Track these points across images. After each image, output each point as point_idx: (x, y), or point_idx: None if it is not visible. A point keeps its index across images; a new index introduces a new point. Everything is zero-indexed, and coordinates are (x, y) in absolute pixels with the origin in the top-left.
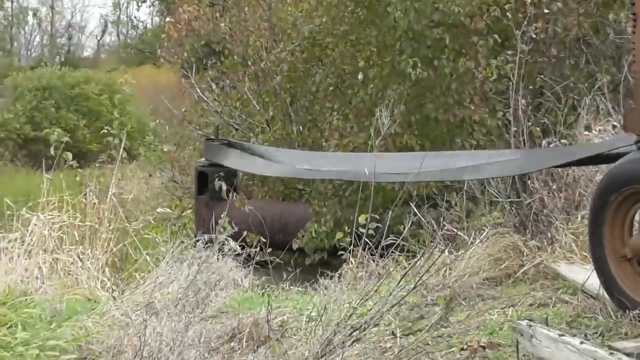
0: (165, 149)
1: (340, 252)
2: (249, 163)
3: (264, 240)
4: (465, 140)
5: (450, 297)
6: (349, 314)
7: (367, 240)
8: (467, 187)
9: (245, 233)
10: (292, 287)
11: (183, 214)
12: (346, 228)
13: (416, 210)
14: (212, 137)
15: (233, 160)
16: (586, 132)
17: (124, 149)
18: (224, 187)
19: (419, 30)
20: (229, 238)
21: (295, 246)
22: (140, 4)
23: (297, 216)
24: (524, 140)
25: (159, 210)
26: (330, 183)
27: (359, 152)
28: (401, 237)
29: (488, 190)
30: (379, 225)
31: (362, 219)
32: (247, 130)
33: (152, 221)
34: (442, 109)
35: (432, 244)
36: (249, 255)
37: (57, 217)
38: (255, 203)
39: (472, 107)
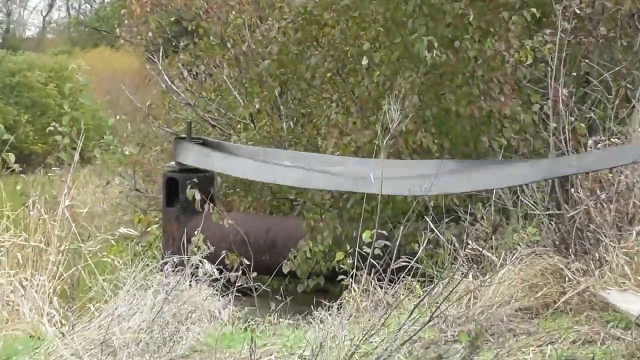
0: (127, 151)
1: (340, 277)
2: (231, 165)
3: (247, 262)
4: (493, 139)
5: (476, 332)
6: (350, 353)
7: (374, 262)
8: (496, 196)
9: (224, 253)
10: (281, 320)
11: (148, 231)
12: (348, 247)
13: (432, 226)
14: (184, 135)
15: (209, 161)
16: None
17: (74, 149)
18: (199, 197)
19: (436, 4)
20: (204, 259)
21: (285, 269)
22: None
23: (288, 232)
24: (565, 139)
25: (121, 230)
26: (329, 192)
27: (363, 152)
28: (415, 259)
29: (522, 201)
30: (388, 243)
31: (367, 236)
32: (227, 126)
33: (111, 240)
34: (465, 100)
35: (452, 266)
36: (228, 280)
37: None
38: (237, 216)
39: (502, 99)
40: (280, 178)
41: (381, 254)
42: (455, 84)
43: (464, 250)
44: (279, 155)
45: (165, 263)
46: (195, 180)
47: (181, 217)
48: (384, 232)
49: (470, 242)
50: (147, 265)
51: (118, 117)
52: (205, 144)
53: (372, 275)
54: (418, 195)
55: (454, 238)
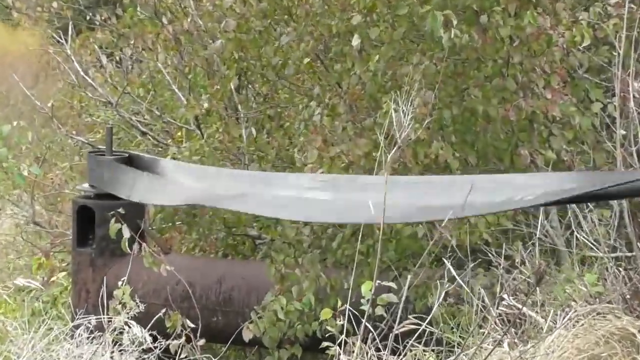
0: (26, 171)
1: (325, 345)
2: (163, 190)
3: (192, 325)
4: (536, 151)
5: None
6: None
7: (371, 325)
8: (542, 231)
9: (161, 312)
10: None
11: (52, 280)
12: (336, 303)
13: (454, 272)
14: (102, 147)
15: (138, 186)
16: None
17: None
18: (126, 234)
19: None
20: (131, 321)
21: (246, 336)
22: None
23: (249, 283)
24: (638, 151)
25: (16, 281)
26: (307, 225)
27: (357, 169)
28: (428, 319)
29: (577, 238)
30: (393, 298)
31: (367, 289)
32: (163, 134)
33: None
34: (497, 98)
35: (481, 330)
36: (166, 350)
37: None
38: (178, 260)
39: (549, 96)
40: (238, 205)
41: (384, 313)
42: (484, 74)
43: (497, 308)
44: (237, 177)
45: (77, 327)
46: (119, 210)
47: (98, 261)
48: (387, 283)
49: (505, 296)
50: (51, 329)
51: (16, 123)
52: (131, 160)
53: (368, 342)
54: (437, 221)
55: (483, 290)
